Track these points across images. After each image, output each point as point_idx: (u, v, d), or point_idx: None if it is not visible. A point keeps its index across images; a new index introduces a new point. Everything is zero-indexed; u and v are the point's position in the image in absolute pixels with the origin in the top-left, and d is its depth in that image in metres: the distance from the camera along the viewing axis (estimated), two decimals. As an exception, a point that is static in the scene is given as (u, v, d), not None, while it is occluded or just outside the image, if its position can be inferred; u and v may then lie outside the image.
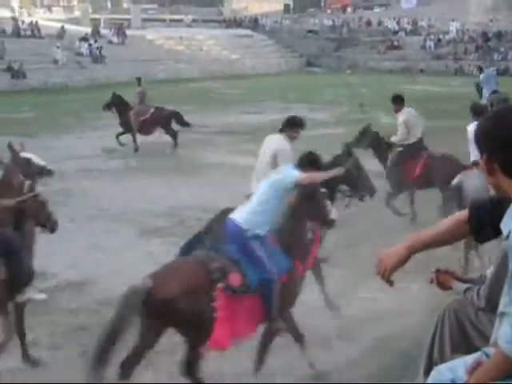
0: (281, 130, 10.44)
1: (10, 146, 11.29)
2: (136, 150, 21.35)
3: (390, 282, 3.73)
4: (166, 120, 21.37)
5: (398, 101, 14.12)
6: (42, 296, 8.91)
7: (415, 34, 61.59)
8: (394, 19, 64.57)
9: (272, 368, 8.16)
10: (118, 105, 21.99)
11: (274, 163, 9.87)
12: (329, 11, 76.88)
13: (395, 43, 60.44)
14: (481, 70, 29.62)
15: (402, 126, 13.92)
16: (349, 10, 75.73)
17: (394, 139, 14.03)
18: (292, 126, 10.36)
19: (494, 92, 23.06)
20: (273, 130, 11.24)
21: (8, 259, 7.76)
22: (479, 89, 25.93)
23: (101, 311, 9.88)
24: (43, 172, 12.04)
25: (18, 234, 8.19)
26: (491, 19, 59.55)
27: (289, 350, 8.35)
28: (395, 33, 62.58)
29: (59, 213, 14.92)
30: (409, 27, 63.08)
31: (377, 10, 74.93)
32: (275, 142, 10.34)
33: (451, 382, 3.55)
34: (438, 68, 53.55)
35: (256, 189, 8.39)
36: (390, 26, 63.82)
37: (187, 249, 8.32)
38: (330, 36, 64.59)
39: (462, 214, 3.79)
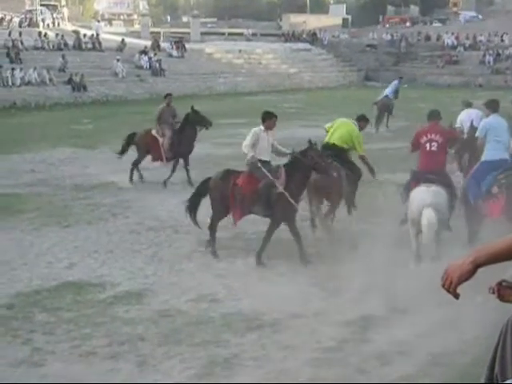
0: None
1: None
2: None
3: (456, 295, 3.67)
4: None
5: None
6: None
7: (474, 49, 61.08)
8: (453, 34, 64.09)
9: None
10: None
11: None
12: (387, 25, 76.66)
13: (454, 58, 60.03)
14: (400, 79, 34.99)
15: None
16: (407, 24, 75.40)
17: None
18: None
19: (386, 96, 31.65)
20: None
21: None
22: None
23: (159, 322, 9.93)
24: None
25: None
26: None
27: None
28: (454, 47, 62.11)
29: (119, 224, 15.23)
30: (468, 42, 62.55)
31: (436, 24, 74.44)
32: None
33: None
34: (496, 83, 53.00)
35: None
36: (448, 41, 63.34)
37: None
38: (389, 50, 64.41)
39: None
